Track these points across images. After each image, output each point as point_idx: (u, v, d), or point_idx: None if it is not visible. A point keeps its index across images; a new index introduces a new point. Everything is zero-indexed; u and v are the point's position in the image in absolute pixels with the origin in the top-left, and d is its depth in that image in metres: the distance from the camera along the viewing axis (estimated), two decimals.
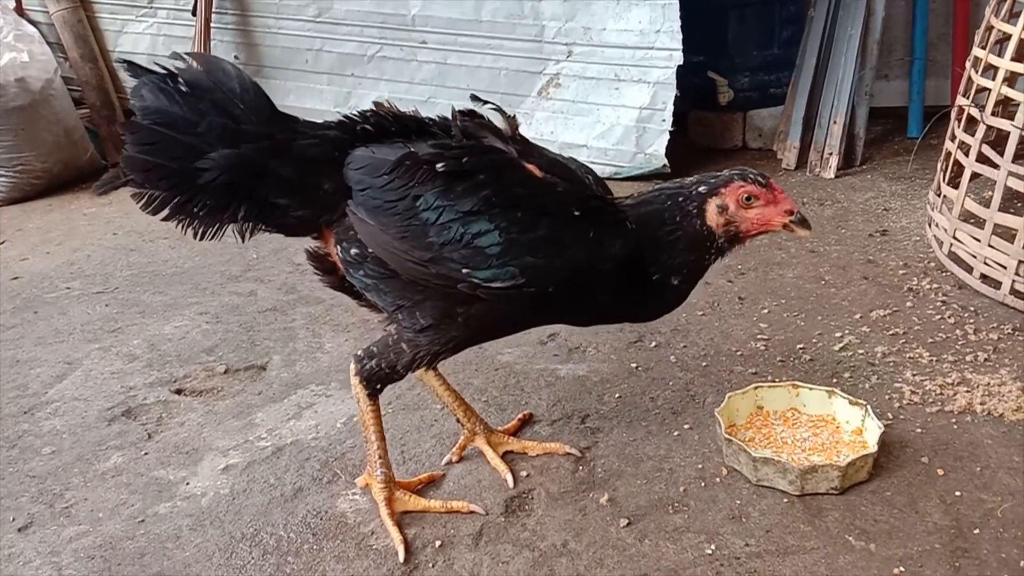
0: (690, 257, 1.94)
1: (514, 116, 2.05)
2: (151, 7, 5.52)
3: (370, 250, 1.89)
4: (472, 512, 2.03)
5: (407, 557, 1.89)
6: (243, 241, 1.96)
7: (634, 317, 2.13)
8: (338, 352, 2.89)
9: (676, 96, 4.31)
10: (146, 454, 2.39)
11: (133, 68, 1.89)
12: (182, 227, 1.92)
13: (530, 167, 1.89)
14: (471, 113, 1.99)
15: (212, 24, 5.27)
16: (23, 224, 4.55)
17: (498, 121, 2.02)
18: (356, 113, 1.99)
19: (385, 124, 1.96)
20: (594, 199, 1.92)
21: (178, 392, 2.73)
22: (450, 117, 1.97)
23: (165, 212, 1.90)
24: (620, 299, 1.95)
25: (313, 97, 5.27)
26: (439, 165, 1.81)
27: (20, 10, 5.49)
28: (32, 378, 2.86)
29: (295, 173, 1.90)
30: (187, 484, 2.24)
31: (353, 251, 1.92)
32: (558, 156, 2.04)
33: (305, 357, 2.88)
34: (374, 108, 2.02)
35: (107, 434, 2.50)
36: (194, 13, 5.23)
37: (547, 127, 4.67)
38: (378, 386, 1.99)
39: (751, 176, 1.91)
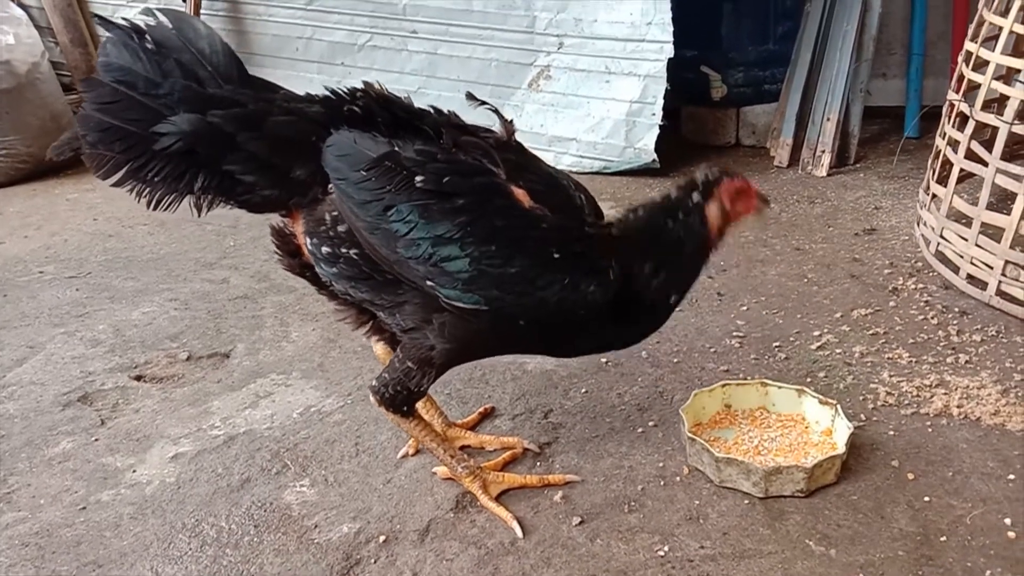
0: (693, 269, 1.91)
1: (511, 120, 1.94)
2: None
3: (343, 250, 1.79)
4: (568, 482, 2.02)
5: (523, 536, 1.86)
6: (199, 215, 1.84)
7: (620, 346, 2.03)
8: (304, 341, 2.82)
9: (668, 91, 4.22)
10: (96, 440, 2.32)
11: (104, 23, 1.81)
12: (136, 194, 1.81)
13: (519, 193, 1.76)
14: (471, 129, 1.86)
15: (202, 11, 5.21)
16: (4, 208, 4.49)
17: (495, 124, 1.91)
18: (345, 90, 1.86)
19: (374, 108, 1.82)
20: (579, 242, 1.79)
21: (138, 378, 2.66)
22: (444, 116, 1.86)
23: (117, 176, 1.79)
24: (601, 336, 1.90)
25: (303, 85, 5.05)
26: (418, 179, 1.69)
27: None
28: None
29: (265, 150, 1.77)
30: (134, 472, 2.17)
31: (325, 249, 1.81)
32: (554, 172, 1.91)
33: (270, 345, 2.81)
34: (364, 88, 1.87)
35: (59, 419, 2.43)
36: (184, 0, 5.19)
37: (537, 120, 4.59)
38: (404, 408, 1.90)
39: (729, 172, 1.89)
